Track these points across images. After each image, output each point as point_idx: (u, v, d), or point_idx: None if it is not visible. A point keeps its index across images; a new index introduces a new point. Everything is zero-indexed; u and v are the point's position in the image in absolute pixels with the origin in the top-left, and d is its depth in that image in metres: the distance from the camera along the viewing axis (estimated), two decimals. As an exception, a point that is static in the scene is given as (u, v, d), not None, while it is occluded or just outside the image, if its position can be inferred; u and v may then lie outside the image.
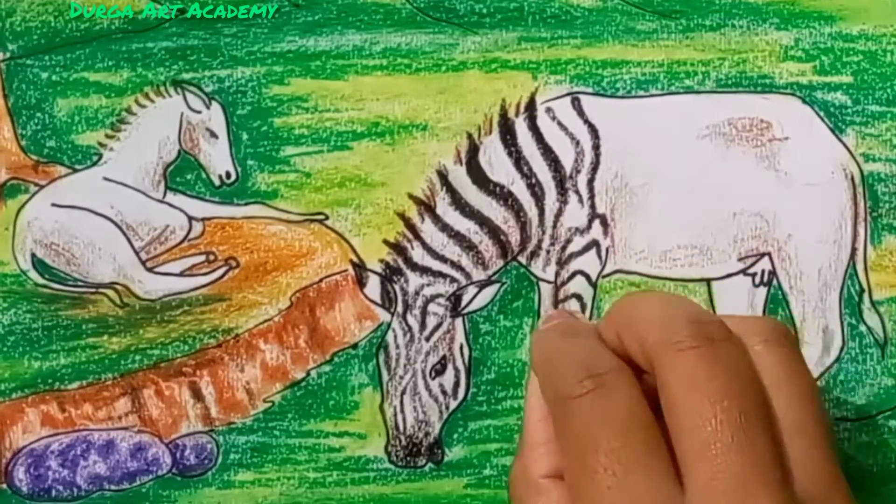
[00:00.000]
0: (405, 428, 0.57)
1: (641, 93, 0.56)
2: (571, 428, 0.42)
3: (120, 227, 0.57)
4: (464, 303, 0.57)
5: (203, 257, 0.57)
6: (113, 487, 0.57)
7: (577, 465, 0.41)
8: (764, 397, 0.41)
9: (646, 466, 0.40)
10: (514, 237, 0.56)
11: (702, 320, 0.42)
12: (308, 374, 0.57)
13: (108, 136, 0.57)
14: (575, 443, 0.41)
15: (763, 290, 0.57)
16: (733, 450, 0.39)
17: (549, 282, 0.57)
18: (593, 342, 0.44)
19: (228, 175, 0.57)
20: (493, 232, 0.56)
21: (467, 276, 0.57)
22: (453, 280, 0.57)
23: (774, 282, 0.56)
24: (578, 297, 0.56)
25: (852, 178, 0.56)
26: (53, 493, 0.57)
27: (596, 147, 0.56)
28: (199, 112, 0.57)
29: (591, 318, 0.57)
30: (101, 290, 0.57)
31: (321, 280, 0.57)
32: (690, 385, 0.40)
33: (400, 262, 0.57)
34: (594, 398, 0.41)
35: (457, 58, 0.56)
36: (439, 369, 0.57)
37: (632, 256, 0.56)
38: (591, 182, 0.56)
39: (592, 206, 0.56)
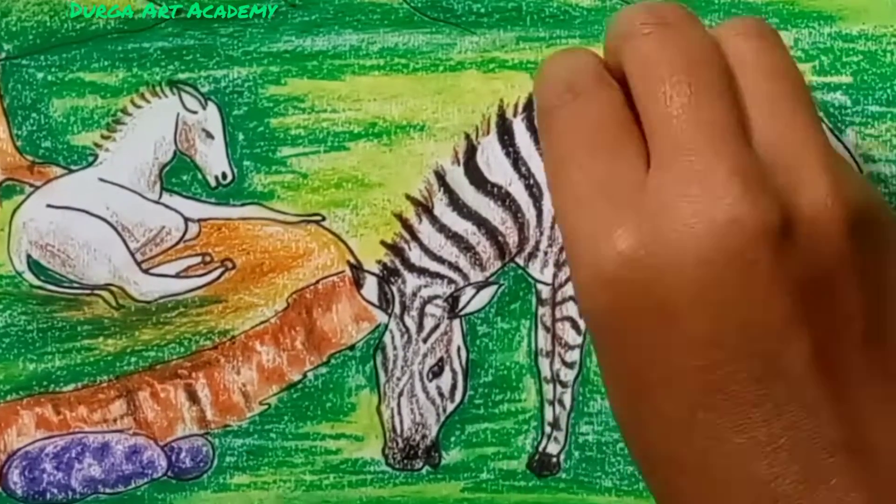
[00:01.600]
0: (402, 430, 0.57)
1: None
2: (551, 135, 0.44)
3: (115, 229, 0.56)
4: (461, 304, 0.56)
5: (199, 259, 0.57)
6: (108, 490, 0.57)
7: (556, 169, 0.43)
8: (723, 71, 0.42)
9: (615, 154, 0.41)
10: (512, 238, 0.56)
11: (656, 6, 0.43)
12: (305, 376, 0.57)
13: (103, 137, 0.56)
14: (554, 150, 0.43)
15: (762, 292, 0.56)
16: (683, 119, 0.40)
17: (546, 283, 0.56)
18: (585, 60, 0.45)
19: (224, 176, 0.56)
20: (491, 233, 0.56)
21: (465, 277, 0.56)
22: (451, 281, 0.56)
23: (774, 283, 0.56)
24: (576, 299, 0.56)
25: (852, 179, 0.55)
26: (48, 496, 0.57)
27: (594, 148, 0.56)
28: (195, 112, 0.56)
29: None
30: (96, 291, 0.56)
31: (318, 281, 0.57)
32: (644, 68, 0.42)
33: (397, 263, 0.56)
34: (571, 107, 0.43)
35: (454, 58, 0.56)
36: (437, 371, 0.57)
37: (630, 257, 0.56)
38: (589, 183, 0.56)
39: (591, 207, 0.56)
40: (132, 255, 0.56)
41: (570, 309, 0.56)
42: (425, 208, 0.56)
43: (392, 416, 0.57)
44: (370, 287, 0.57)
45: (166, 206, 0.57)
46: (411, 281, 0.56)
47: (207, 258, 0.57)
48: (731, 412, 0.39)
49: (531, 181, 0.56)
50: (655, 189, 0.40)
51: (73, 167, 0.56)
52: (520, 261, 0.57)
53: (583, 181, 0.41)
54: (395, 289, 0.56)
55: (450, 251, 0.56)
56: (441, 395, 0.57)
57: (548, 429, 0.57)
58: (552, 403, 0.57)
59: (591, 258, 0.40)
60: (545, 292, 0.57)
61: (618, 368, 0.42)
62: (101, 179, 0.56)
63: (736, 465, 0.39)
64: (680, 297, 0.39)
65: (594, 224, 0.40)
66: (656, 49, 0.42)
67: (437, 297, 0.56)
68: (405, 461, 0.57)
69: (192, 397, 0.57)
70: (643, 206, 0.40)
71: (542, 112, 0.45)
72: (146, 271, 0.57)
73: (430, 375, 0.57)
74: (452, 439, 0.57)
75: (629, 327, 0.40)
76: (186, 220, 0.57)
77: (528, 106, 0.56)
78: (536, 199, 0.56)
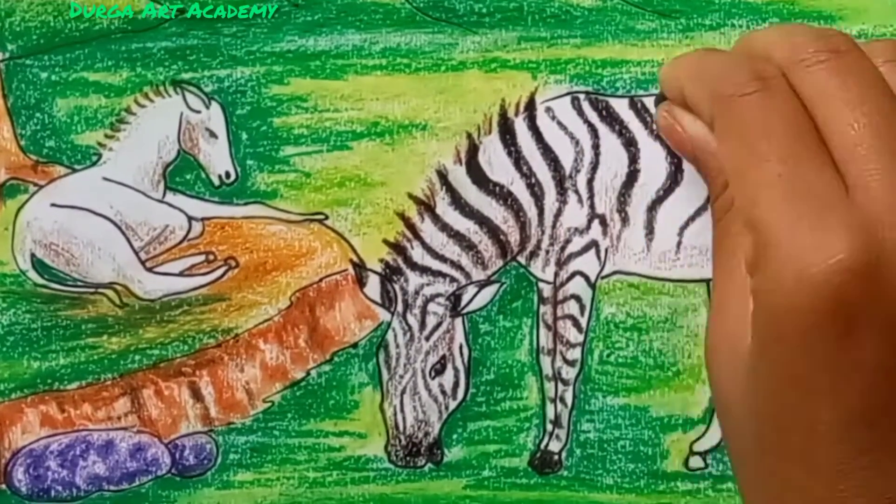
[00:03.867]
0: (405, 428, 0.57)
1: (641, 92, 0.56)
2: (740, 121, 0.42)
3: (119, 227, 0.57)
4: (463, 302, 0.56)
5: (202, 257, 0.57)
6: (112, 488, 0.57)
7: (745, 154, 0.42)
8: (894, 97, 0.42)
9: (813, 159, 0.41)
10: (514, 237, 0.56)
11: (826, 34, 0.43)
12: (308, 373, 0.57)
13: (107, 136, 0.56)
14: (744, 135, 0.42)
15: (763, 290, 0.56)
16: (879, 149, 0.40)
17: (548, 282, 0.57)
18: (749, 51, 0.45)
19: (228, 175, 0.57)
20: (493, 232, 0.56)
21: (467, 275, 0.57)
22: (453, 280, 0.57)
23: (774, 282, 0.56)
24: (577, 297, 0.56)
25: (852, 178, 0.56)
26: (52, 493, 0.57)
27: (595, 147, 0.56)
28: (198, 112, 0.56)
29: (588, 321, 0.57)
30: (100, 290, 0.57)
31: (321, 280, 0.57)
32: (826, 97, 0.42)
33: (400, 261, 0.57)
34: (763, 97, 0.42)
35: (456, 57, 0.56)
36: (439, 369, 0.57)
37: (631, 257, 0.56)
38: (590, 182, 0.56)
39: (592, 206, 0.56)
40: (136, 253, 0.57)
41: (572, 307, 0.57)
42: (427, 207, 0.56)
43: (395, 414, 0.57)
44: (373, 285, 0.57)
45: (170, 205, 0.57)
46: (414, 279, 0.57)
47: (211, 257, 0.57)
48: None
49: (533, 180, 0.56)
50: (862, 203, 0.40)
51: (76, 166, 0.57)
52: (521, 259, 0.57)
53: (786, 178, 0.41)
54: (397, 287, 0.57)
55: (452, 250, 0.56)
56: (443, 392, 0.57)
57: (549, 426, 0.57)
58: (554, 401, 0.57)
59: (799, 258, 0.40)
60: (546, 291, 0.57)
61: (781, 370, 0.42)
62: (105, 178, 0.57)
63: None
64: None
65: (801, 224, 0.40)
66: (837, 80, 0.42)
67: (439, 295, 0.57)
68: (408, 458, 0.57)
69: (196, 395, 0.57)
70: (852, 216, 0.40)
71: (723, 97, 0.44)
72: (150, 270, 0.57)
73: (433, 373, 0.57)
74: (455, 437, 0.57)
75: (828, 334, 0.40)
76: (190, 218, 0.57)
77: (530, 105, 0.56)
78: (538, 198, 0.56)
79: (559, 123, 0.56)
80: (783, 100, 0.43)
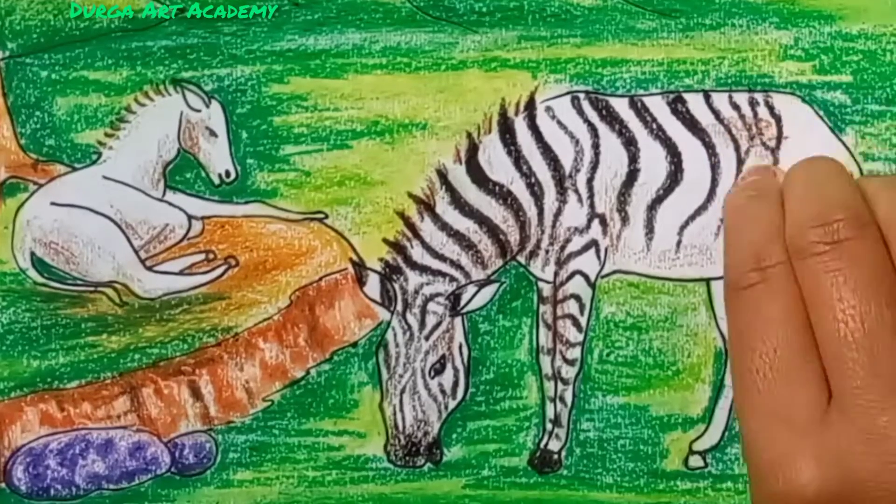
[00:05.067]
0: (404, 427, 0.57)
1: (641, 92, 0.56)
2: (735, 320, 0.43)
3: (119, 226, 0.57)
4: (463, 302, 0.57)
5: (202, 256, 0.57)
6: (112, 486, 0.57)
7: (735, 360, 0.43)
8: None
9: (795, 375, 0.41)
10: (514, 236, 0.56)
11: (828, 221, 0.42)
12: (307, 372, 0.57)
13: (107, 135, 0.57)
14: (736, 337, 0.43)
15: (762, 290, 0.56)
16: (864, 364, 0.39)
17: (547, 281, 0.57)
18: (770, 216, 0.45)
19: (228, 174, 0.57)
20: (493, 231, 0.56)
21: (466, 275, 0.57)
22: (453, 279, 0.57)
23: (774, 281, 0.56)
24: (577, 297, 0.56)
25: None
26: (52, 492, 0.57)
27: (595, 146, 0.56)
28: (198, 111, 0.56)
29: (588, 320, 0.57)
30: (100, 288, 0.57)
31: (321, 279, 0.57)
32: (818, 296, 0.41)
33: (399, 260, 0.57)
34: (757, 293, 0.43)
35: (456, 56, 0.56)
36: (438, 368, 0.57)
37: (631, 256, 0.56)
38: (590, 181, 0.56)
39: (592, 206, 0.56)
40: (136, 252, 0.57)
41: (571, 307, 0.57)
42: (427, 206, 0.56)
43: (394, 413, 0.57)
44: (373, 284, 0.57)
45: (170, 204, 0.57)
46: (413, 278, 0.57)
47: (211, 255, 0.57)
48: None
49: (532, 180, 0.56)
50: (839, 430, 0.40)
51: (76, 165, 0.57)
52: (521, 259, 0.57)
53: (765, 396, 0.41)
54: (397, 286, 0.57)
55: (451, 249, 0.57)
56: (443, 392, 0.57)
57: (549, 426, 0.57)
58: (553, 400, 0.57)
59: (771, 483, 0.40)
60: (546, 290, 0.57)
61: None
62: (105, 177, 0.57)
63: None
64: None
65: (775, 448, 0.40)
66: (829, 277, 0.40)
67: (438, 294, 0.57)
68: (407, 458, 0.57)
69: (196, 394, 0.57)
70: (824, 446, 0.39)
71: (730, 285, 0.44)
72: (150, 268, 0.57)
73: (432, 373, 0.57)
74: (454, 436, 0.57)
75: None
76: (190, 217, 0.57)
77: (530, 105, 0.56)
78: (538, 198, 0.56)
79: (559, 123, 0.56)
80: (778, 296, 0.42)
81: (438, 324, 0.57)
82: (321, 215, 0.57)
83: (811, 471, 0.39)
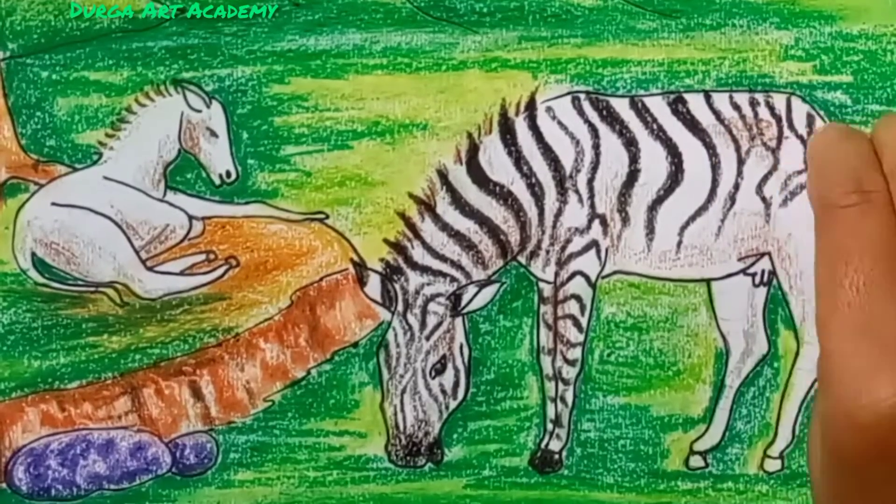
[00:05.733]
0: (405, 427, 0.57)
1: (642, 92, 0.56)
2: (829, 236, 0.43)
3: (120, 227, 0.57)
4: (464, 302, 0.57)
5: (203, 256, 0.57)
6: (112, 487, 0.57)
7: (825, 273, 0.42)
8: None
9: (888, 293, 0.41)
10: (514, 237, 0.56)
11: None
12: (308, 372, 0.57)
13: (108, 136, 0.57)
14: (829, 251, 0.42)
15: (763, 290, 0.57)
16: None
17: (548, 282, 0.57)
18: (867, 152, 0.44)
19: (229, 174, 0.57)
20: (493, 231, 0.56)
21: (467, 275, 0.57)
22: (453, 279, 0.57)
23: (774, 282, 0.56)
24: (577, 297, 0.56)
25: (852, 178, 0.56)
26: (53, 492, 0.57)
27: (596, 146, 0.56)
28: (199, 111, 0.56)
29: (589, 320, 0.57)
30: (101, 289, 0.57)
31: (322, 279, 0.57)
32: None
33: (400, 261, 0.57)
34: (858, 213, 0.42)
35: (457, 57, 0.56)
36: (439, 368, 0.57)
37: (631, 257, 0.56)
38: (590, 182, 0.56)
39: (592, 206, 0.56)
40: (137, 252, 0.57)
41: (572, 307, 0.57)
42: (428, 207, 0.56)
43: (395, 414, 0.57)
44: (373, 285, 0.57)
45: (171, 204, 0.57)
46: (414, 279, 0.57)
47: (211, 256, 0.57)
48: None
49: (533, 180, 0.56)
50: None
51: (77, 165, 0.57)
52: (522, 259, 0.57)
53: (854, 308, 0.41)
54: (398, 286, 0.57)
55: (452, 249, 0.57)
56: (444, 392, 0.57)
57: (550, 426, 0.57)
58: (554, 401, 0.57)
59: (848, 397, 0.40)
60: (547, 290, 0.57)
61: (837, 490, 0.42)
62: (106, 178, 0.57)
63: None
64: None
65: (858, 361, 0.40)
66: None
67: (439, 294, 0.57)
68: (408, 458, 0.57)
69: (197, 394, 0.57)
70: None
71: (823, 204, 0.44)
72: (151, 269, 0.57)
73: (433, 373, 0.57)
74: (455, 436, 0.57)
75: (875, 475, 0.40)
76: (191, 217, 0.57)
77: (531, 105, 0.56)
78: (538, 198, 0.56)
79: (560, 123, 0.56)
80: (877, 219, 0.42)
81: (439, 324, 0.57)
82: (322, 216, 0.57)
83: (892, 386, 0.39)
